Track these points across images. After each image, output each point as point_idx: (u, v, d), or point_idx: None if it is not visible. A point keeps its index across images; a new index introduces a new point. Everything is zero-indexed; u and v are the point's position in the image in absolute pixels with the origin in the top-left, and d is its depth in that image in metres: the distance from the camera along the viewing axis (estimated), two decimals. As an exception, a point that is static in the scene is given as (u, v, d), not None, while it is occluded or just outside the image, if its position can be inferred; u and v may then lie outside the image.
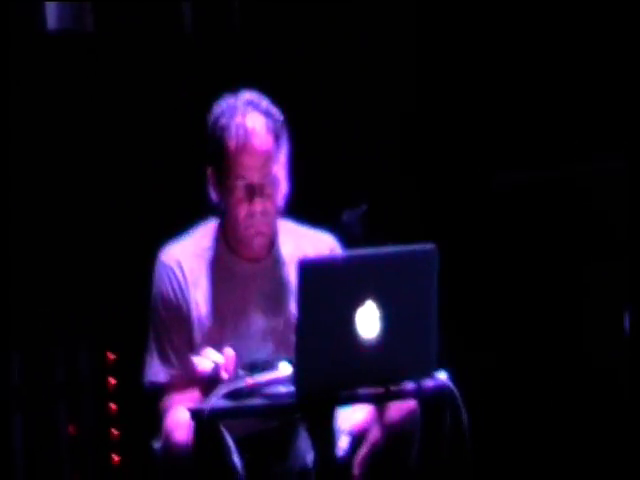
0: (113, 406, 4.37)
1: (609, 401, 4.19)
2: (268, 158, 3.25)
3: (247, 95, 3.32)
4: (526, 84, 5.00)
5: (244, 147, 3.24)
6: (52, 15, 5.03)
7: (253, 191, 3.25)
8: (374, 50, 5.10)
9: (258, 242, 3.33)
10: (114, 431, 4.44)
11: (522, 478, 4.70)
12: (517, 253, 4.80)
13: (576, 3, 5.05)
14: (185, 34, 4.99)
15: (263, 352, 3.33)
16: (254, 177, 3.25)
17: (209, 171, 3.33)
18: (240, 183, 3.27)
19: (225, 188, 3.29)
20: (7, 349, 4.36)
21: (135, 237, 4.10)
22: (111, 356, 4.46)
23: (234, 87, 3.38)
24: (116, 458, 4.41)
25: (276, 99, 3.45)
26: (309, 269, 2.96)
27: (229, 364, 3.13)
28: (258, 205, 3.25)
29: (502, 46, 5.08)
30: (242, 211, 3.27)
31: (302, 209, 3.57)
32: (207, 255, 3.38)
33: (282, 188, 3.31)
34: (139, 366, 3.51)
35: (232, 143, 3.23)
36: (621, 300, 3.59)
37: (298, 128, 3.53)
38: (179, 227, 3.50)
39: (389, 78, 5.11)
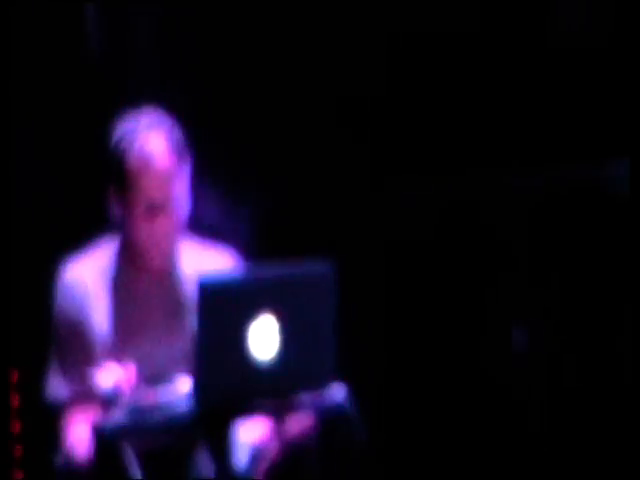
0: (17, 424, 4.29)
1: (500, 411, 4.29)
2: (169, 179, 3.23)
3: (148, 115, 3.27)
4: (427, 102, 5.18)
5: (146, 169, 3.21)
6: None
7: (154, 211, 3.23)
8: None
9: (158, 260, 3.32)
10: (17, 449, 4.42)
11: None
12: (416, 266, 4.93)
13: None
14: (88, 47, 5.07)
15: (164, 367, 3.27)
16: (155, 197, 3.22)
17: (110, 189, 3.27)
18: (141, 203, 3.23)
19: (126, 207, 3.25)
20: None
21: (36, 252, 3.96)
22: (13, 374, 4.35)
23: (137, 101, 3.35)
24: (19, 475, 4.41)
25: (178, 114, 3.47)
26: (207, 287, 2.94)
27: (130, 379, 3.12)
28: (159, 224, 3.24)
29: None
30: (143, 230, 3.25)
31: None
32: (108, 272, 3.36)
33: (184, 207, 3.28)
34: (42, 383, 3.41)
35: (133, 165, 3.21)
36: (511, 316, 3.70)
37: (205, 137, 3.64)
38: (78, 242, 3.44)
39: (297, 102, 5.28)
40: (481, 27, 4.91)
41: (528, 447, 4.01)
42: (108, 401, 3.12)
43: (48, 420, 3.45)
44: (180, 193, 3.28)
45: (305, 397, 3.07)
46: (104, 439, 3.03)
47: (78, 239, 3.47)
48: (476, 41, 4.87)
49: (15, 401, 4.17)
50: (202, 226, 3.52)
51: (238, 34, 4.99)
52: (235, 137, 4.50)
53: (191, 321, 3.25)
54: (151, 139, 3.23)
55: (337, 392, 3.08)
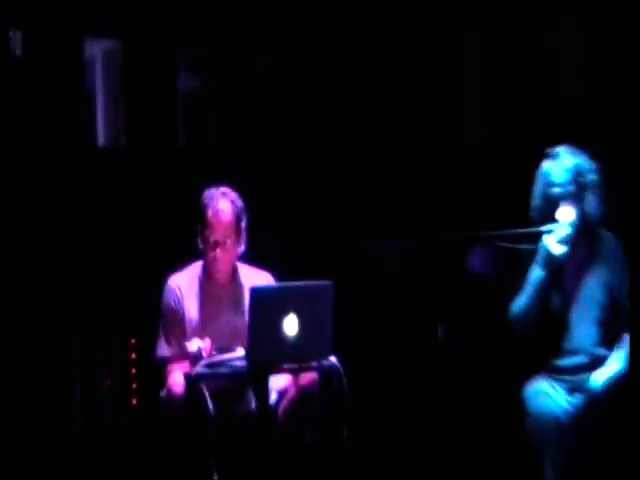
0: (134, 370, 5.45)
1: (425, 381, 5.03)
2: (228, 227, 4.59)
3: (222, 189, 4.65)
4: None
5: (215, 219, 4.58)
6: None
7: (217, 244, 4.61)
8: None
9: (220, 275, 4.64)
10: (134, 385, 5.46)
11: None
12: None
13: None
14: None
15: (229, 341, 4.42)
16: (219, 236, 4.60)
17: (198, 229, 4.62)
18: (211, 239, 4.64)
19: (204, 241, 4.66)
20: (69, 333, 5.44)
21: (155, 269, 4.92)
22: (132, 340, 5.50)
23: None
24: (134, 401, 5.45)
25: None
26: (256, 293, 4.21)
27: (208, 347, 4.34)
28: (219, 253, 4.60)
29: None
30: (210, 255, 4.60)
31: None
32: (195, 281, 4.64)
33: (240, 244, 4.62)
34: (151, 347, 4.61)
35: (209, 215, 4.61)
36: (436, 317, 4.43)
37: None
38: (182, 263, 4.72)
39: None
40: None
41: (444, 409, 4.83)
42: (194, 359, 4.33)
43: (156, 369, 4.57)
44: (236, 237, 4.60)
45: (313, 362, 4.28)
46: (190, 382, 4.25)
47: (179, 261, 4.73)
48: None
49: (132, 355, 5.42)
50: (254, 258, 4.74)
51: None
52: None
53: (246, 313, 4.34)
54: (221, 203, 4.63)
55: (332, 360, 4.28)
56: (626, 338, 4.34)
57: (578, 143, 4.50)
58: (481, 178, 5.53)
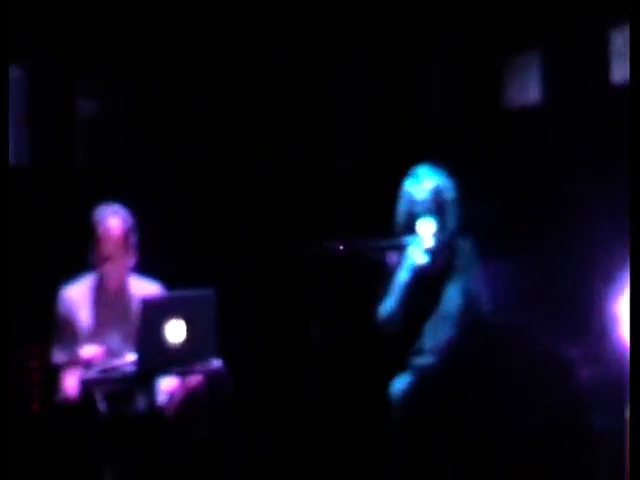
0: (35, 377, 5.41)
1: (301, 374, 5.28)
2: (118, 242, 4.80)
3: (113, 206, 4.87)
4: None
5: (105, 234, 4.79)
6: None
7: (108, 258, 4.81)
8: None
9: (111, 287, 4.86)
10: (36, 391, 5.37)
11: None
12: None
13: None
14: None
15: (120, 346, 4.71)
16: (109, 251, 4.79)
17: (90, 244, 4.82)
18: (101, 254, 4.82)
19: (96, 255, 4.84)
20: None
21: (55, 279, 4.98)
22: (34, 348, 5.45)
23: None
24: (36, 407, 5.38)
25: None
26: (146, 303, 4.45)
27: (100, 354, 4.60)
28: (110, 266, 4.82)
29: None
30: (102, 268, 4.82)
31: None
32: (88, 292, 4.85)
33: (131, 258, 4.84)
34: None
35: (100, 231, 4.81)
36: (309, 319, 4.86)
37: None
38: (76, 274, 4.88)
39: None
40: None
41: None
42: (87, 365, 4.56)
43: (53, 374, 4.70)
44: (125, 252, 4.80)
45: (199, 365, 4.53)
46: (84, 386, 4.44)
47: (73, 273, 4.92)
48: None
49: (35, 364, 5.37)
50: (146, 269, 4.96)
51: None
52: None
53: (135, 322, 4.55)
54: (111, 219, 4.81)
55: (216, 363, 4.55)
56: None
57: (438, 164, 4.91)
58: (355, 194, 5.94)
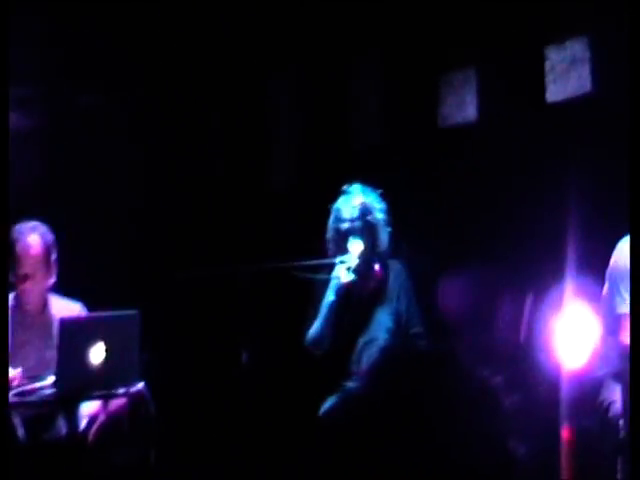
0: None
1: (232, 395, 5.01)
2: (37, 260, 4.67)
3: (32, 223, 4.72)
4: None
5: (24, 252, 4.65)
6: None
7: (27, 277, 4.69)
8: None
9: (30, 307, 4.73)
10: None
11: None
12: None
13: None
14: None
15: (38, 369, 4.52)
16: (28, 269, 4.67)
17: (9, 262, 4.62)
18: (20, 272, 4.70)
19: (15, 273, 4.69)
20: None
21: None
22: None
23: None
24: None
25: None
26: (65, 323, 4.37)
27: (18, 376, 4.43)
28: (29, 285, 4.69)
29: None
30: (21, 287, 4.69)
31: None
32: (10, 311, 4.63)
33: (51, 277, 4.69)
34: None
35: (18, 249, 4.67)
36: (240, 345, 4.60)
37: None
38: None
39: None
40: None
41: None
42: None
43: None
44: (46, 270, 4.66)
45: (121, 389, 4.43)
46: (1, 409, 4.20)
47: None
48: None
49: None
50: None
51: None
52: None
53: (55, 343, 4.42)
54: (30, 237, 4.67)
55: (139, 386, 4.44)
56: None
57: (369, 182, 4.84)
58: (284, 214, 5.82)
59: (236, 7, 6.01)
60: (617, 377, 4.21)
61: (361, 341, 4.73)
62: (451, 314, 5.19)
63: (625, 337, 4.36)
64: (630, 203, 3.94)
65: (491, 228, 5.46)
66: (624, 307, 4.40)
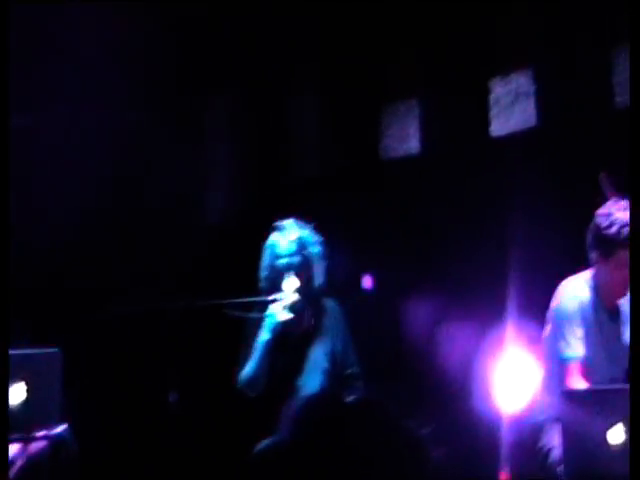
0: None
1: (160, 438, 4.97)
2: None
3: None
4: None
5: None
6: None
7: None
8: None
9: None
10: None
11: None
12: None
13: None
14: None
15: None
16: None
17: None
18: None
19: None
20: None
21: None
22: None
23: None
24: None
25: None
26: None
27: None
28: None
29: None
30: None
31: None
32: None
33: None
34: None
35: None
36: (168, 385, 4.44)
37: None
38: None
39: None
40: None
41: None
42: None
43: None
44: None
45: (41, 431, 4.21)
46: None
47: None
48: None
49: None
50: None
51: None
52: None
53: None
54: None
55: (61, 428, 4.24)
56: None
57: (306, 217, 4.68)
58: (217, 251, 5.66)
59: (177, 31, 5.87)
60: (557, 422, 4.09)
61: (298, 383, 4.55)
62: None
63: (571, 382, 4.31)
64: (631, 202, 3.90)
65: (431, 263, 5.39)
66: (569, 351, 4.33)
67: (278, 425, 4.47)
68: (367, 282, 5.55)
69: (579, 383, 4.21)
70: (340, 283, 4.61)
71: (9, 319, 3.99)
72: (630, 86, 3.94)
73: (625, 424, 3.77)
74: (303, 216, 4.59)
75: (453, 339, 4.94)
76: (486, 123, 5.43)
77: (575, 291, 4.35)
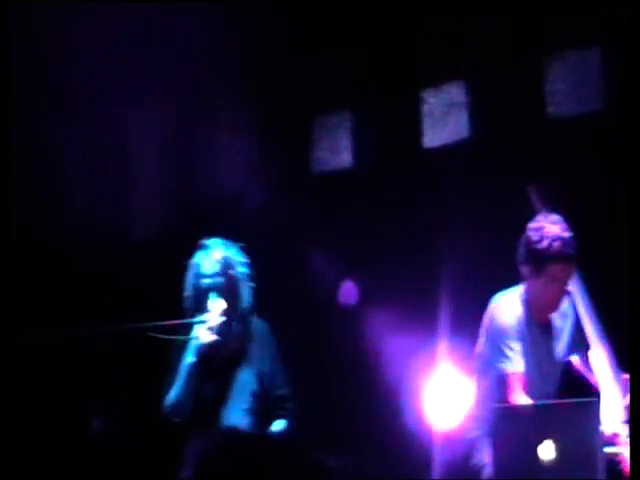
0: None
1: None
2: None
3: None
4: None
5: None
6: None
7: None
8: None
9: None
10: None
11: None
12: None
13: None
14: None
15: None
16: None
17: None
18: None
19: None
20: None
21: None
22: None
23: None
24: None
25: None
26: None
27: None
28: None
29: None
30: None
31: None
32: None
33: None
34: None
35: None
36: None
37: None
38: None
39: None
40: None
41: None
42: None
43: None
44: None
45: None
46: None
47: None
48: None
49: None
50: None
51: None
52: None
53: None
54: None
55: None
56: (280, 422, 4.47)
57: (232, 236, 4.55)
58: (142, 268, 5.53)
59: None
60: (489, 439, 4.03)
61: (225, 406, 4.41)
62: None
63: (513, 397, 4.23)
64: (631, 207, 3.76)
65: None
66: (509, 366, 4.27)
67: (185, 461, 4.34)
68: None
69: (521, 397, 4.15)
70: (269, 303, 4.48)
71: None
72: (629, 86, 3.84)
73: (555, 441, 3.76)
74: (230, 234, 4.48)
75: (384, 356, 4.86)
76: (419, 134, 5.36)
77: (510, 306, 4.30)
